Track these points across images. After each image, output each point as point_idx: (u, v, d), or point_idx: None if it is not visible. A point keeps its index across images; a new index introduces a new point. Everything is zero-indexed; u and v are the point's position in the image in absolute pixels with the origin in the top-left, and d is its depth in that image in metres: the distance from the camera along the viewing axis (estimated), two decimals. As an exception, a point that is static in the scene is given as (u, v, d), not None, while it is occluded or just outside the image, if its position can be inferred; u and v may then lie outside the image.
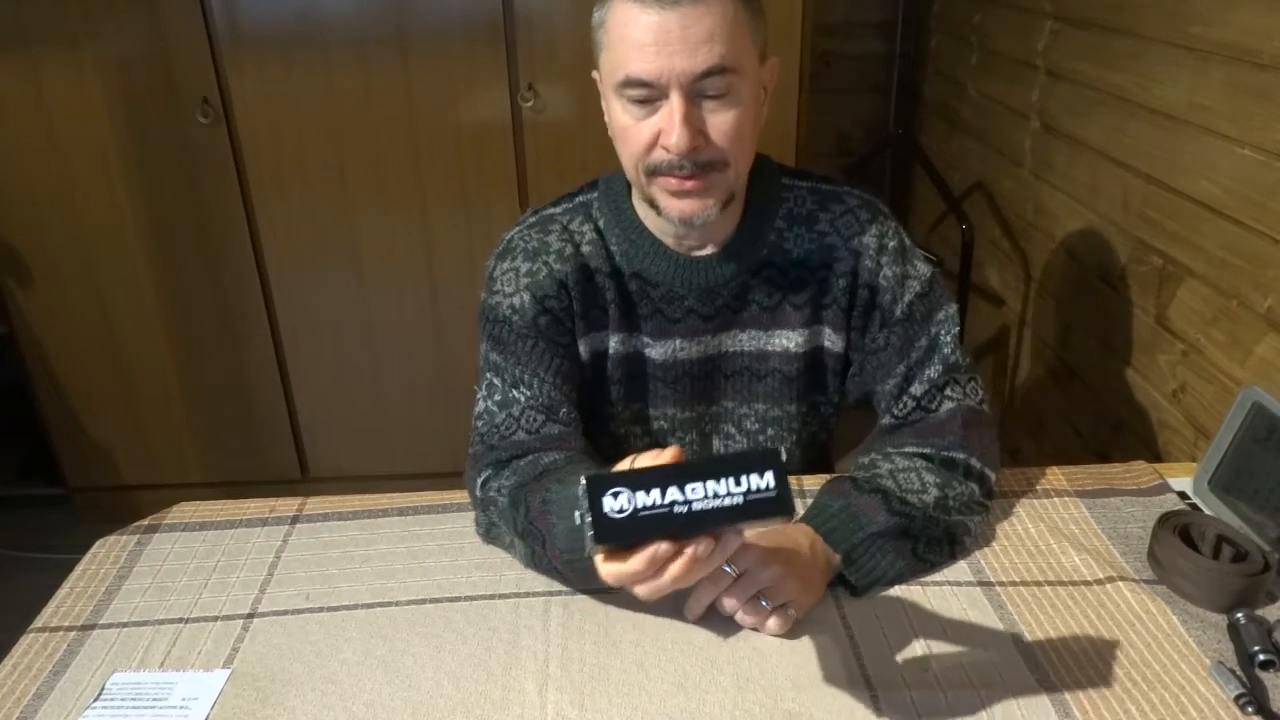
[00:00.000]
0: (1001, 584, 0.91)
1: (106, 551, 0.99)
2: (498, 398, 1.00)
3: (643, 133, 0.89)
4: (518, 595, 0.90)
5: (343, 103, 1.92)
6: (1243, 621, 0.82)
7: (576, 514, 0.67)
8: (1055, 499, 1.03)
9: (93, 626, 0.89)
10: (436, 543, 0.98)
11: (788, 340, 1.04)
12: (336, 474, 2.27)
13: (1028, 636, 0.84)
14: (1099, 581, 0.90)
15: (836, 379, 1.08)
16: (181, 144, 1.93)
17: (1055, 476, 1.07)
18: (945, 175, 2.20)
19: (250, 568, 0.96)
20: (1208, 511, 0.99)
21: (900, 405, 1.01)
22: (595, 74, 0.94)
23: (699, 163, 0.89)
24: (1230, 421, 0.99)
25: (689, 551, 0.67)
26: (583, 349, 1.04)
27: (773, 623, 0.83)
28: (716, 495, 0.66)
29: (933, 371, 1.00)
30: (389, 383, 2.15)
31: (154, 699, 0.80)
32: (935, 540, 0.93)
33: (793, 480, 1.07)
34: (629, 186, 1.00)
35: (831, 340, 1.05)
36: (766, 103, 0.94)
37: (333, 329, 2.13)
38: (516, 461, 0.96)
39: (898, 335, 1.01)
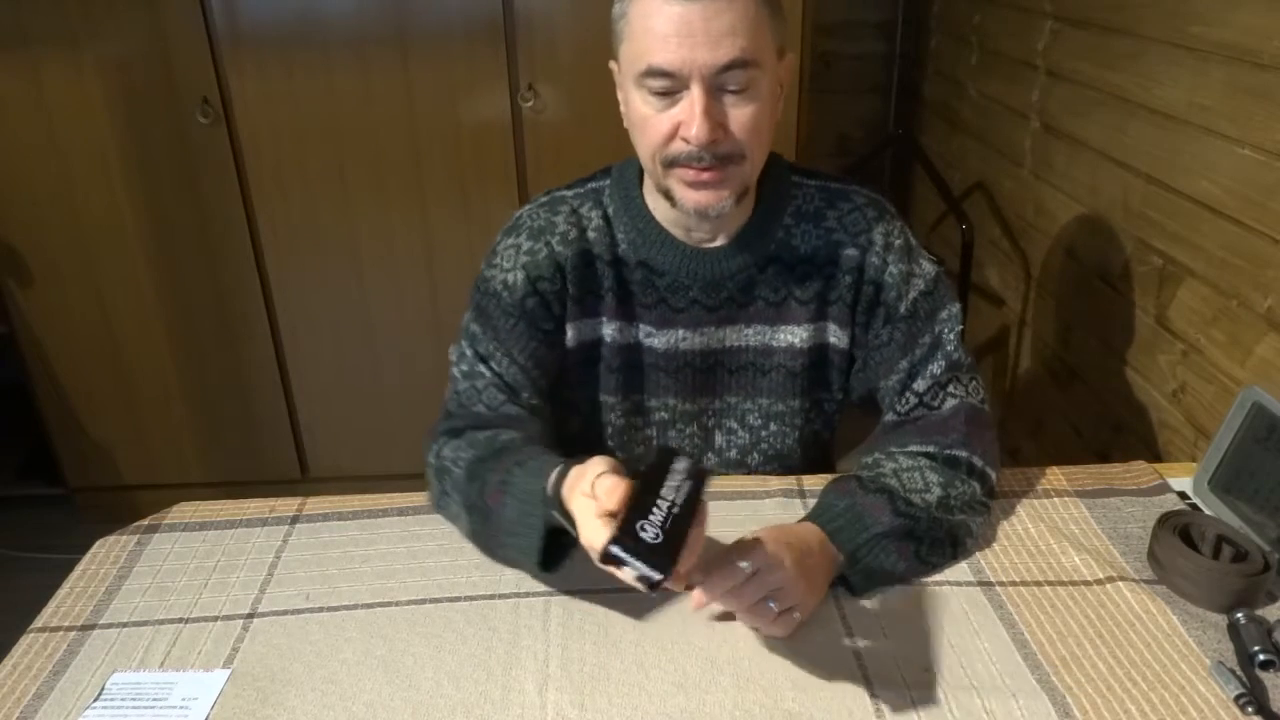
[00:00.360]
0: (1001, 584, 0.91)
1: (106, 551, 0.99)
2: (465, 367, 1.03)
3: (662, 123, 0.90)
4: (518, 595, 0.90)
5: (343, 103, 1.92)
6: (1243, 621, 0.82)
7: (535, 525, 0.81)
8: (1055, 499, 1.03)
9: (93, 626, 0.89)
10: (436, 543, 0.98)
11: (793, 335, 1.05)
12: (336, 474, 2.27)
13: (1028, 636, 0.84)
14: (1099, 581, 0.90)
15: (840, 375, 1.08)
16: (181, 144, 1.93)
17: (1055, 476, 1.07)
18: (945, 175, 2.20)
19: (250, 568, 0.96)
20: (1208, 511, 0.99)
21: (903, 402, 1.01)
22: (613, 65, 0.95)
23: (717, 155, 0.90)
24: (1230, 421, 0.99)
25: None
26: (570, 334, 1.05)
27: (777, 626, 0.82)
28: (675, 485, 0.75)
29: (936, 368, 1.01)
30: (389, 383, 2.15)
31: (154, 699, 0.80)
32: (938, 542, 0.93)
33: (793, 479, 1.07)
34: (641, 176, 1.02)
35: (836, 336, 1.05)
36: (782, 99, 0.95)
37: (333, 329, 2.13)
38: (473, 433, 0.98)
39: (901, 331, 1.02)
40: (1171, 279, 1.44)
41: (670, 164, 0.92)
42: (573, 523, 0.78)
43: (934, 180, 2.14)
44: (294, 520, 1.03)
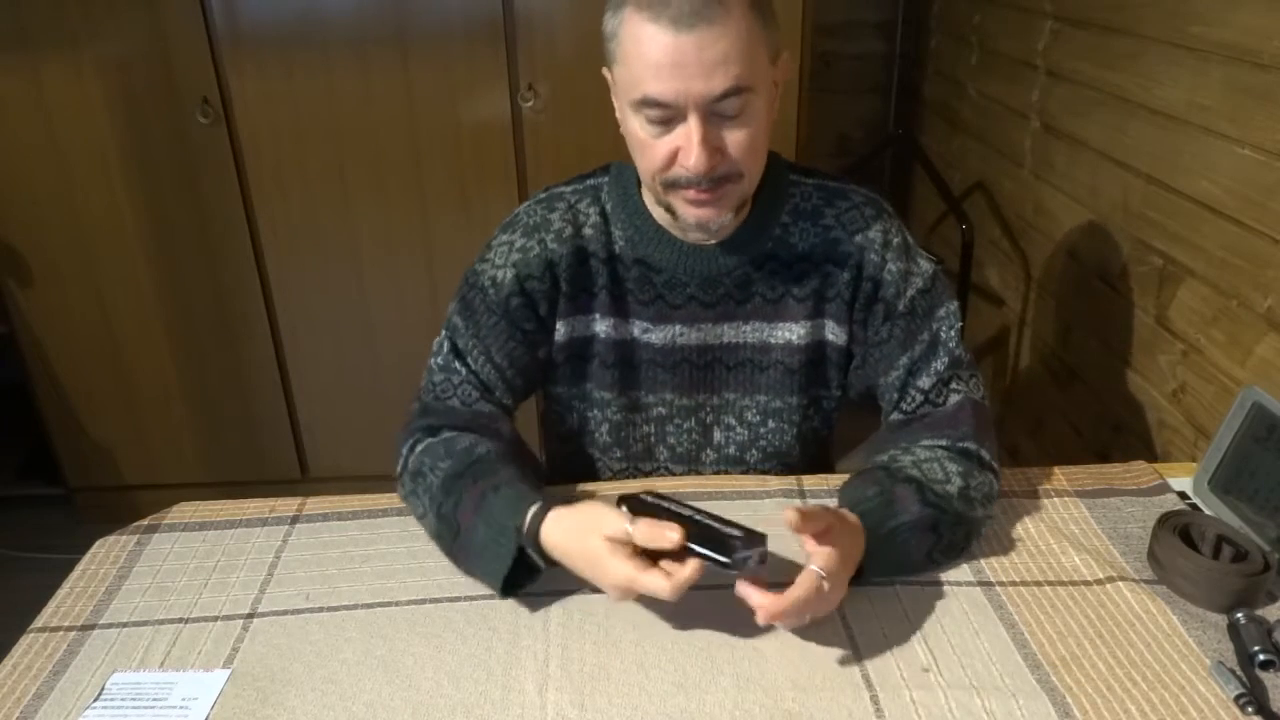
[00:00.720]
0: (1001, 584, 0.91)
1: (106, 551, 0.99)
2: (441, 360, 1.05)
3: (660, 149, 0.90)
4: (518, 595, 0.90)
5: (343, 103, 1.92)
6: (1243, 621, 0.82)
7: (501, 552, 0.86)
8: (1055, 499, 1.03)
9: (93, 626, 0.89)
10: (436, 543, 0.98)
11: (790, 333, 1.05)
12: (336, 474, 2.27)
13: (1028, 636, 0.84)
14: (1099, 581, 0.90)
15: (839, 372, 1.08)
16: (181, 144, 1.93)
17: (1055, 476, 1.07)
18: (945, 175, 2.20)
19: (250, 568, 0.96)
20: (1208, 511, 0.99)
21: (908, 400, 1.02)
22: (606, 73, 0.95)
23: (715, 177, 0.90)
24: (1230, 421, 0.99)
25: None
26: (561, 330, 1.05)
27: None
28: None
29: (939, 365, 1.01)
30: (389, 383, 2.15)
31: (154, 699, 0.80)
32: (953, 545, 0.93)
33: (793, 479, 1.07)
34: (639, 174, 1.01)
35: (834, 333, 1.05)
36: (778, 97, 0.95)
37: (333, 329, 2.13)
38: (449, 434, 0.99)
39: (900, 329, 1.02)
40: (1171, 279, 1.44)
41: (670, 185, 0.93)
42: (548, 560, 0.87)
43: (934, 180, 2.14)
44: (294, 520, 1.03)
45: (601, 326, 1.05)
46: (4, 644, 0.86)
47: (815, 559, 0.80)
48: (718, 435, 1.11)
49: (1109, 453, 1.67)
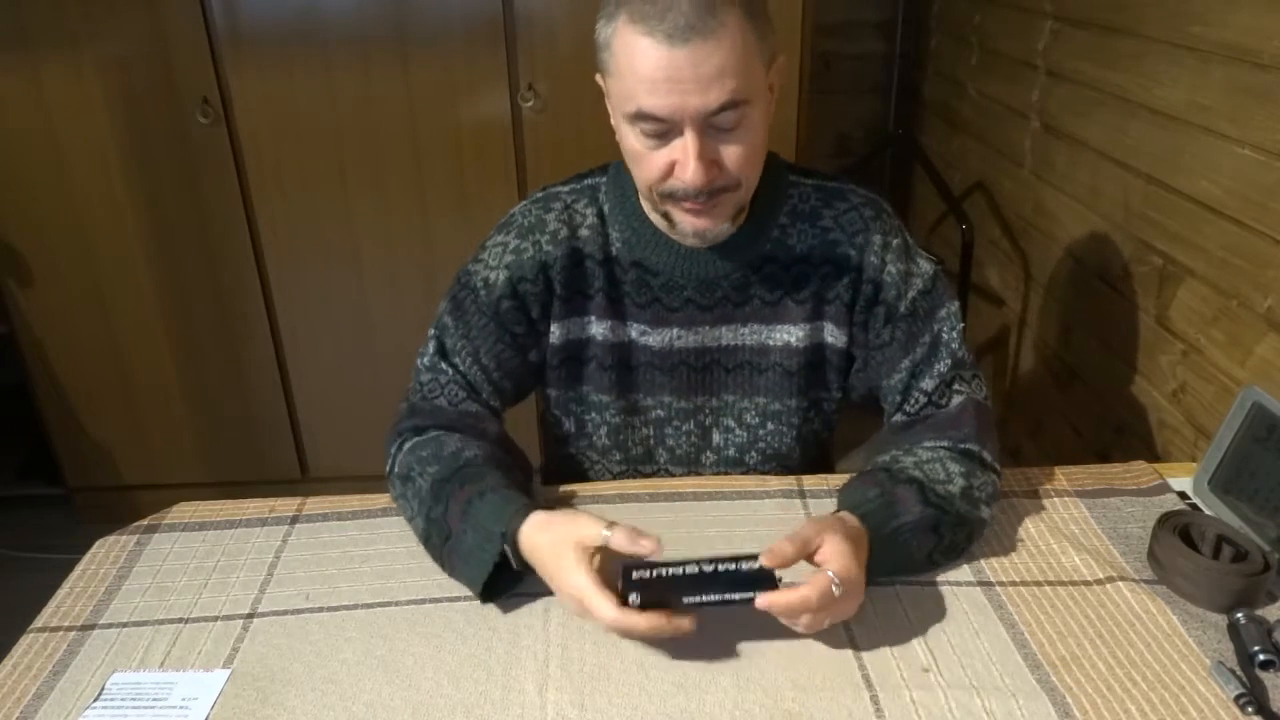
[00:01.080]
0: (1001, 584, 0.91)
1: (106, 551, 0.99)
2: (429, 360, 1.05)
3: (657, 160, 0.90)
4: (518, 595, 0.90)
5: (343, 103, 1.92)
6: (1243, 621, 0.82)
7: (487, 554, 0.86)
8: (1055, 499, 1.03)
9: (93, 626, 0.89)
10: (436, 543, 0.98)
11: (789, 335, 1.05)
12: (336, 474, 2.27)
13: (1028, 636, 0.84)
14: (1099, 581, 0.90)
15: (839, 375, 1.08)
16: (181, 144, 1.93)
17: (1055, 476, 1.07)
18: (945, 175, 2.20)
19: (250, 568, 0.96)
20: (1208, 511, 0.99)
21: (911, 402, 1.01)
22: (599, 80, 0.94)
23: (712, 189, 0.90)
24: (1230, 421, 0.99)
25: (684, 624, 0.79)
26: (556, 332, 1.05)
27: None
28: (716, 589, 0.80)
29: (941, 367, 1.01)
30: (389, 383, 2.14)
31: (154, 699, 0.80)
32: (955, 545, 0.93)
33: (793, 479, 1.07)
34: None
35: (834, 336, 1.05)
36: (774, 101, 0.94)
37: (333, 329, 2.13)
38: (437, 434, 0.99)
39: (902, 331, 1.02)
40: (1171, 279, 1.44)
41: (667, 196, 0.92)
42: (527, 566, 0.87)
43: (934, 180, 2.14)
44: (294, 520, 1.03)
45: (598, 329, 1.05)
46: (4, 644, 0.86)
47: (829, 565, 0.80)
48: (717, 437, 1.11)
49: (1109, 453, 1.67)
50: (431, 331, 1.07)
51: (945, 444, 0.98)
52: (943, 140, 2.43)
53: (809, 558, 0.82)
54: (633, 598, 0.78)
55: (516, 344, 1.05)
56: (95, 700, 0.80)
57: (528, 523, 0.86)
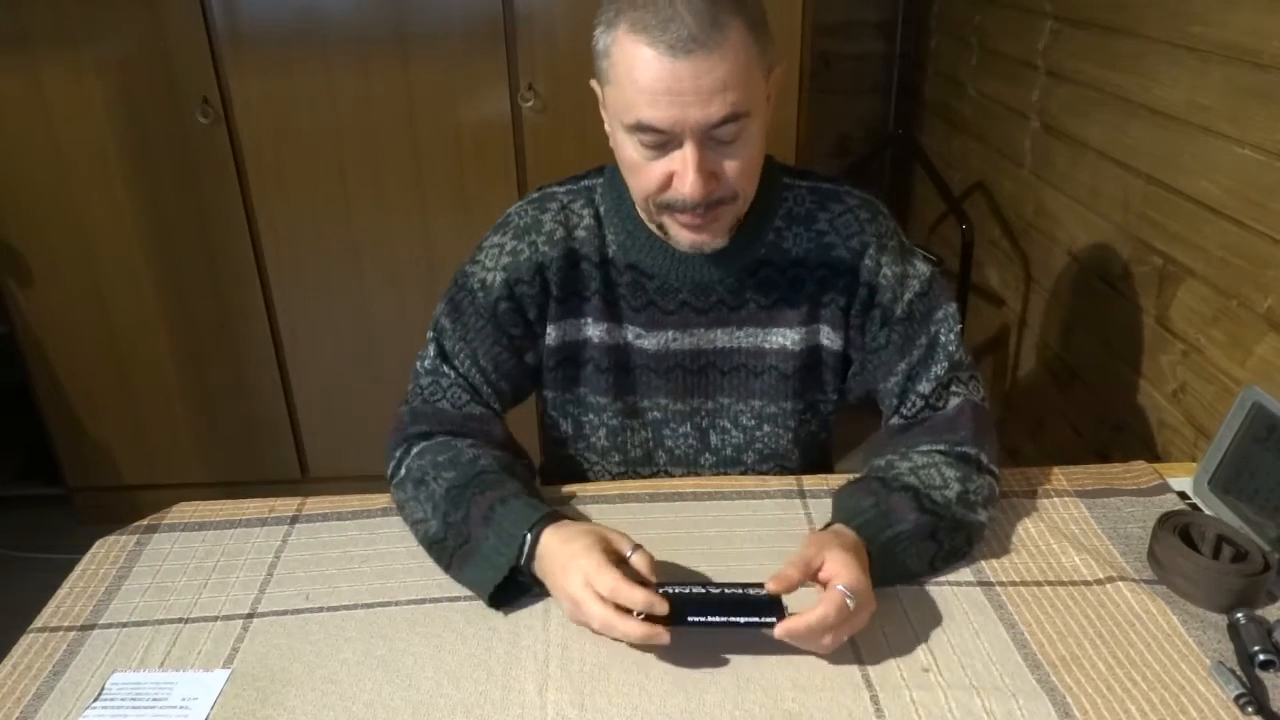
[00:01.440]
0: (1001, 584, 0.91)
1: (106, 551, 0.99)
2: (428, 363, 1.05)
3: (654, 172, 0.89)
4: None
5: (343, 103, 1.92)
6: (1243, 621, 0.82)
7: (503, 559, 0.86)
8: (1055, 499, 1.03)
9: (93, 626, 0.89)
10: (436, 543, 0.98)
11: (784, 338, 1.04)
12: (336, 474, 2.27)
13: (1028, 636, 0.84)
14: (1099, 581, 0.90)
15: (836, 377, 1.08)
16: (181, 144, 1.93)
17: (1055, 476, 1.07)
18: (945, 175, 2.20)
19: (250, 568, 0.96)
20: (1208, 511, 0.99)
21: (909, 405, 1.01)
22: (595, 86, 0.94)
23: (710, 201, 0.90)
24: (1230, 421, 0.99)
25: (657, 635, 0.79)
26: (552, 334, 1.05)
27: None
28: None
29: (938, 369, 1.00)
30: (389, 383, 2.14)
31: (154, 699, 0.80)
32: (955, 549, 0.93)
33: (793, 479, 1.07)
34: None
35: (830, 339, 1.05)
36: (771, 108, 0.93)
37: (333, 329, 2.13)
38: (445, 439, 0.99)
39: (898, 334, 1.01)
40: (1171, 279, 1.44)
41: (664, 207, 0.92)
42: (534, 577, 0.88)
43: (934, 180, 2.14)
44: (293, 520, 1.03)
45: (594, 331, 1.05)
46: (4, 644, 0.86)
47: (837, 579, 0.80)
48: (714, 438, 1.11)
49: (1109, 453, 1.67)
50: (430, 334, 1.06)
51: (941, 448, 0.98)
52: (943, 140, 2.43)
53: (814, 577, 0.82)
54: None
55: (513, 346, 1.05)
56: (95, 700, 0.80)
57: (553, 526, 0.87)
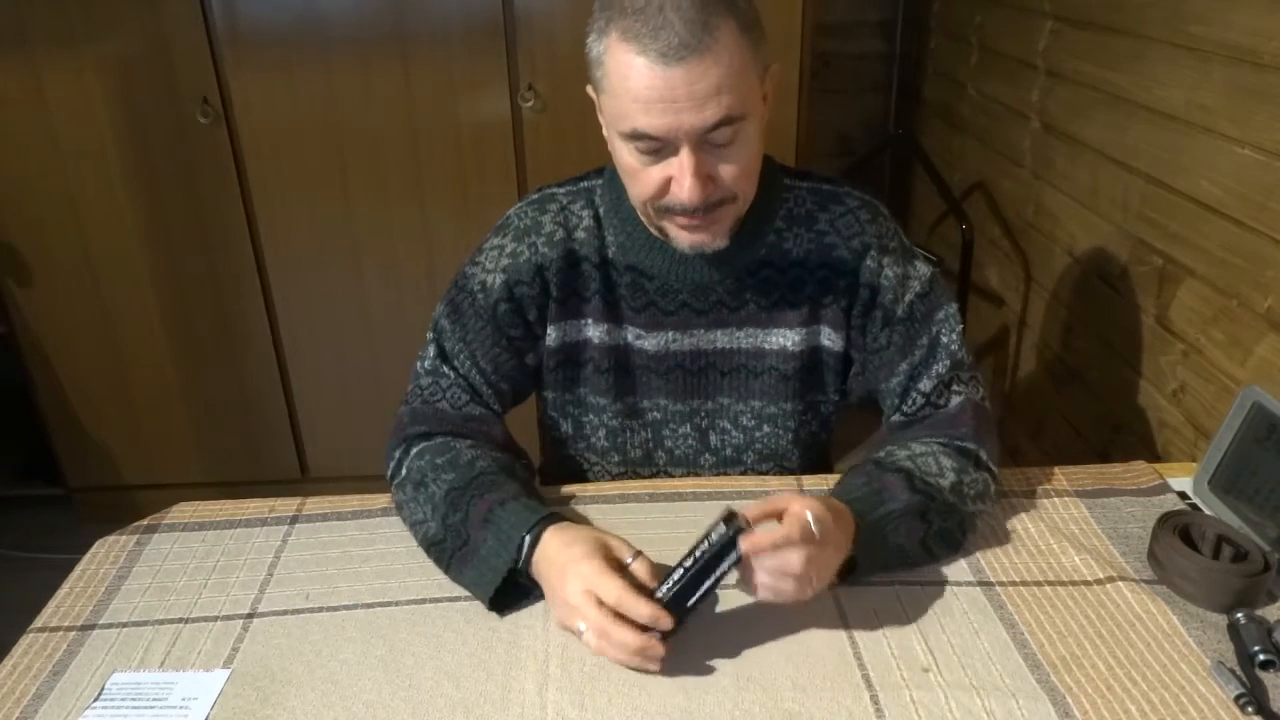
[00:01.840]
0: (1001, 584, 0.91)
1: (106, 551, 0.99)
2: (428, 364, 1.05)
3: (652, 177, 0.89)
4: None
5: (343, 103, 1.92)
6: (1243, 621, 0.82)
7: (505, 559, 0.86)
8: (1055, 499, 1.03)
9: (93, 626, 0.89)
10: (436, 543, 0.98)
11: (784, 339, 1.04)
12: (336, 474, 2.27)
13: (1028, 636, 0.84)
14: (1099, 581, 0.90)
15: (836, 378, 1.08)
16: (181, 144, 1.93)
17: (1055, 476, 1.07)
18: (945, 175, 2.20)
19: (250, 568, 0.96)
20: (1208, 511, 0.99)
21: (909, 403, 1.02)
22: (590, 91, 0.94)
23: (708, 204, 0.90)
24: (1230, 421, 0.99)
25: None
26: (552, 335, 1.05)
27: (796, 593, 0.80)
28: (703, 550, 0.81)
29: (940, 368, 1.01)
30: (389, 383, 2.14)
31: (154, 699, 0.80)
32: (946, 532, 0.93)
33: (792, 479, 1.07)
34: None
35: (831, 339, 1.05)
36: (769, 109, 0.94)
37: (333, 329, 2.13)
38: (444, 441, 0.99)
39: (900, 334, 1.01)
40: (1171, 279, 1.44)
41: (663, 211, 0.92)
42: (532, 581, 0.88)
43: (934, 180, 2.14)
44: (293, 520, 1.03)
45: (594, 332, 1.05)
46: (4, 644, 0.86)
47: (802, 510, 0.79)
48: (714, 439, 1.11)
49: (1109, 453, 1.67)
50: (430, 335, 1.07)
51: (941, 440, 0.98)
52: (943, 140, 2.43)
53: (778, 518, 0.81)
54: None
55: (513, 347, 1.05)
56: (95, 700, 0.80)
57: (553, 528, 0.87)
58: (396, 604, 0.90)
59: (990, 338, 2.19)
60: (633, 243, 1.01)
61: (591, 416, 1.10)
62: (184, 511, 1.05)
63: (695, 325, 1.04)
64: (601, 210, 1.03)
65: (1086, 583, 0.90)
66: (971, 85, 2.23)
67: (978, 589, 0.90)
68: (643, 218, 0.98)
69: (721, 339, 1.05)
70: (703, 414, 1.10)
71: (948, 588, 0.90)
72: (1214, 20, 1.31)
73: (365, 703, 0.79)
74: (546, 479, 1.16)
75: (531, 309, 1.03)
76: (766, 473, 1.12)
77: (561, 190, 1.05)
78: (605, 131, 0.94)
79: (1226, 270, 1.31)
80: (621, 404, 1.09)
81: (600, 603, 0.79)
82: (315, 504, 1.05)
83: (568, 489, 1.06)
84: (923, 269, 1.03)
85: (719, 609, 0.86)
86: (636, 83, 0.83)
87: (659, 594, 0.80)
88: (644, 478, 1.14)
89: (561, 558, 0.84)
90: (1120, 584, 0.89)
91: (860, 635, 0.84)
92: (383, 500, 1.05)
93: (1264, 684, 0.78)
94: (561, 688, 0.79)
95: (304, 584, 0.93)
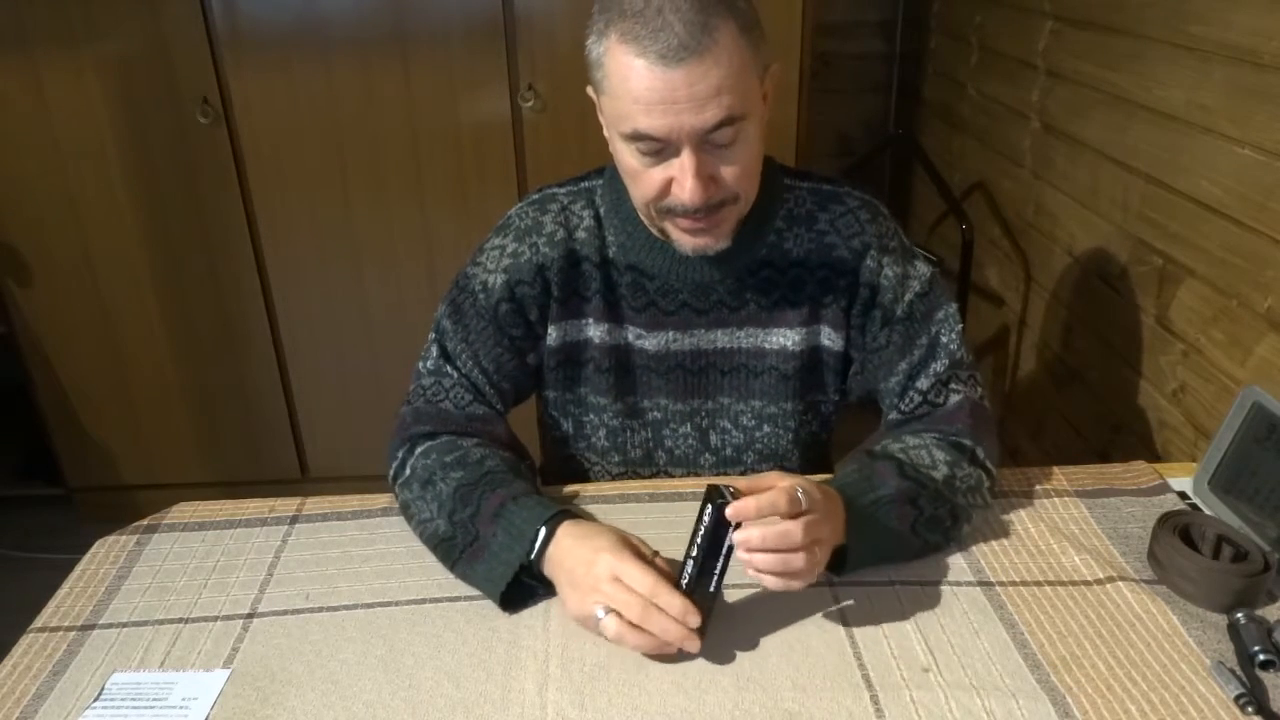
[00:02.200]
0: (1001, 584, 0.91)
1: (106, 551, 0.99)
2: (430, 364, 1.05)
3: (653, 178, 0.89)
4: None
5: (343, 103, 1.92)
6: (1243, 621, 0.82)
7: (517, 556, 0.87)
8: (1055, 499, 1.03)
9: (93, 626, 0.89)
10: (436, 543, 0.98)
11: (785, 339, 1.05)
12: (336, 474, 2.27)
13: (1028, 636, 0.84)
14: (1099, 581, 0.90)
15: (836, 377, 1.08)
16: (181, 144, 1.93)
17: (1055, 476, 1.07)
18: (945, 175, 2.20)
19: (250, 568, 0.96)
20: (1208, 511, 0.99)
21: (908, 401, 1.02)
22: (590, 92, 0.94)
23: (710, 204, 0.90)
24: (1230, 421, 0.99)
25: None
26: (553, 334, 1.05)
27: (798, 577, 0.80)
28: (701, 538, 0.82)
29: (939, 367, 1.01)
30: (389, 383, 2.15)
31: (154, 699, 0.80)
32: (936, 519, 0.92)
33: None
34: None
35: (830, 339, 1.05)
36: (769, 109, 0.94)
37: (333, 329, 2.13)
38: (450, 440, 0.99)
39: (899, 334, 1.02)
40: (1171, 279, 1.44)
41: (665, 213, 0.92)
42: (543, 578, 0.88)
43: (934, 180, 2.14)
44: (293, 520, 1.03)
45: (595, 331, 1.05)
46: (4, 644, 0.86)
47: (788, 482, 0.80)
48: (714, 439, 1.11)
49: (1109, 453, 1.67)
50: (432, 335, 1.07)
51: (936, 434, 0.99)
52: (943, 140, 2.43)
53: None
54: None
55: (515, 347, 1.05)
56: (95, 700, 0.80)
57: (568, 523, 0.87)
58: (396, 604, 0.90)
59: (990, 338, 2.19)
60: (633, 243, 1.01)
61: (592, 416, 1.10)
62: (184, 511, 1.05)
63: (696, 325, 1.04)
64: (602, 210, 1.03)
65: (1086, 583, 0.90)
66: (971, 85, 2.23)
67: (978, 589, 0.90)
68: (644, 219, 0.98)
69: (722, 339, 1.05)
70: (703, 414, 1.10)
71: (948, 588, 0.90)
72: (1214, 20, 1.31)
73: (365, 703, 0.79)
74: (546, 479, 1.16)
75: (533, 309, 1.04)
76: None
77: (562, 190, 1.05)
78: (606, 132, 0.94)
79: (1226, 270, 1.31)
80: (622, 404, 1.09)
81: (630, 591, 0.80)
82: (315, 504, 1.05)
83: (568, 489, 1.06)
84: (922, 269, 1.04)
85: (719, 610, 0.86)
86: (637, 84, 0.83)
87: (683, 584, 0.81)
88: (644, 478, 1.14)
89: (584, 547, 0.84)
90: (1120, 584, 0.89)
91: (860, 635, 0.84)
92: (383, 500, 1.05)
93: (1264, 684, 0.78)
94: (561, 688, 0.79)
95: (304, 584, 0.93)
